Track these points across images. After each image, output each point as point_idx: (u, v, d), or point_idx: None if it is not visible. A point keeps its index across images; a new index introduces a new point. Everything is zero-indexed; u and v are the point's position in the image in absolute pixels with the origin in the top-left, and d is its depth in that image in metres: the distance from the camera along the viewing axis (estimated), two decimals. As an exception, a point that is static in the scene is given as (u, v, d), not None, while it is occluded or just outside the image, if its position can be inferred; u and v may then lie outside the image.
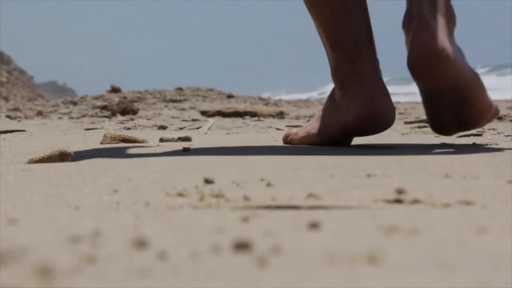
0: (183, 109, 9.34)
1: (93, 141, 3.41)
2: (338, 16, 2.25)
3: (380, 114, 2.31)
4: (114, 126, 4.89)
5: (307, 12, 2.34)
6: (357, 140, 3.09)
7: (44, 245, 1.03)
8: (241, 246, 0.98)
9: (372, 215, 1.28)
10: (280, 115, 7.18)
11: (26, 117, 7.58)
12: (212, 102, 11.14)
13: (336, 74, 2.36)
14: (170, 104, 10.77)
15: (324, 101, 3.02)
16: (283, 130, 4.36)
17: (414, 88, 2.53)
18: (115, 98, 11.09)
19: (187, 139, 3.30)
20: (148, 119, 6.23)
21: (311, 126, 2.55)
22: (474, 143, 3.06)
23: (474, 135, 3.57)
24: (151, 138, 3.41)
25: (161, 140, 3.30)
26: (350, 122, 2.40)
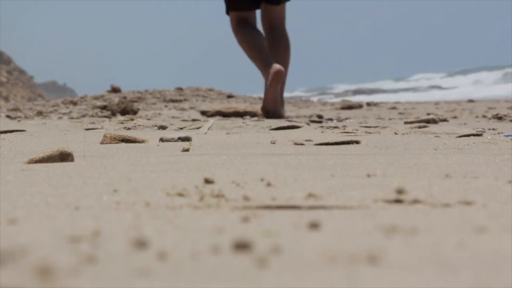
0: (183, 109, 9.33)
1: (93, 141, 3.41)
2: (257, 53, 6.30)
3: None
4: (114, 126, 4.89)
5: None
6: (361, 140, 3.10)
7: (44, 245, 1.03)
8: (241, 246, 0.98)
9: (372, 215, 1.28)
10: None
11: (26, 117, 7.57)
12: (212, 102, 11.14)
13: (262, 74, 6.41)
14: (170, 104, 10.76)
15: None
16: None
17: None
18: (115, 98, 11.08)
19: (187, 139, 3.31)
20: (148, 119, 6.23)
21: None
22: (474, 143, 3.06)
23: (474, 135, 3.57)
24: (151, 138, 3.41)
25: (161, 140, 3.30)
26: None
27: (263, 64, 6.23)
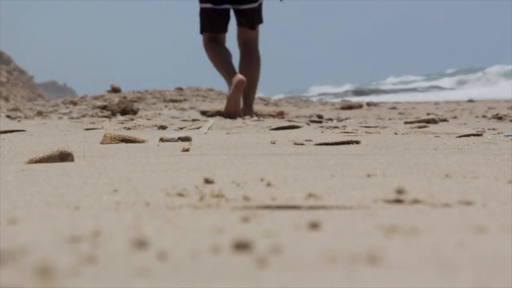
0: (183, 109, 9.33)
1: (93, 141, 3.41)
2: (224, 65, 7.39)
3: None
4: (114, 126, 4.89)
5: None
6: (361, 140, 3.10)
7: (44, 245, 1.03)
8: (241, 246, 0.98)
9: (372, 215, 1.28)
10: (280, 115, 7.19)
11: (26, 117, 7.57)
12: (212, 102, 11.14)
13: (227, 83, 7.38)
14: (170, 104, 10.77)
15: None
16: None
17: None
18: (115, 98, 11.08)
19: (187, 139, 3.31)
20: (148, 119, 6.22)
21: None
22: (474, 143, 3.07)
23: (474, 135, 3.57)
24: (151, 138, 3.41)
25: (161, 140, 3.30)
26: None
27: (227, 74, 7.33)
